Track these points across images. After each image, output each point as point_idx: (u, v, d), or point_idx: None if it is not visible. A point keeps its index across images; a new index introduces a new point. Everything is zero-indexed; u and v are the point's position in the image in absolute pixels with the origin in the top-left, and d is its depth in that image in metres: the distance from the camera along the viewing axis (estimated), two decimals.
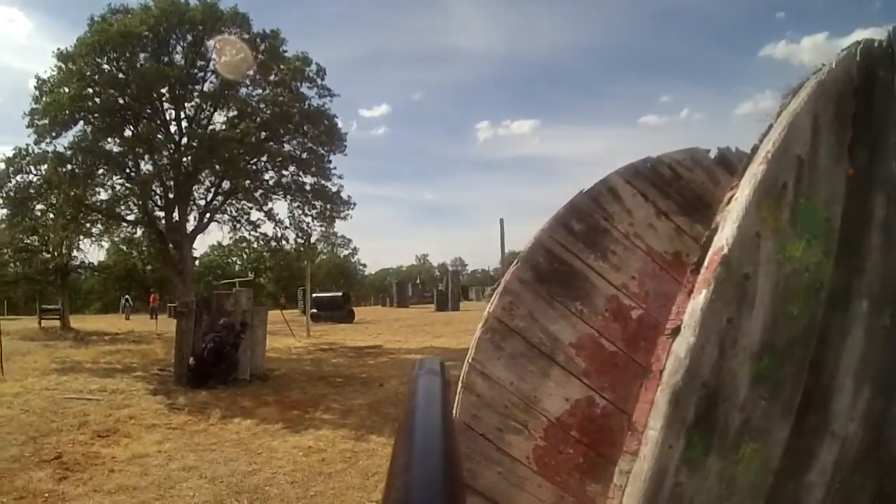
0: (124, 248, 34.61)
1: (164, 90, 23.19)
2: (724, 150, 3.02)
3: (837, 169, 1.58)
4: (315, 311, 33.88)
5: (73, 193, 22.15)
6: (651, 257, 2.82)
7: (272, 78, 24.38)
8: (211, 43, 23.89)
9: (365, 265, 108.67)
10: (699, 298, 1.40)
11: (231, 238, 27.96)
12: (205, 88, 24.06)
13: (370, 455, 8.18)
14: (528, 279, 2.74)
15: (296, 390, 13.20)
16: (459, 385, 2.75)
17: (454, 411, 2.83)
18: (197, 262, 32.46)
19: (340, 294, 40.83)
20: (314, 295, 34.61)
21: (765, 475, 1.48)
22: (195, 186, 24.87)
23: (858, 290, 1.60)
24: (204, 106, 24.30)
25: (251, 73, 23.92)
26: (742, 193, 1.48)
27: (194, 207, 25.35)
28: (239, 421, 10.23)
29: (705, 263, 1.45)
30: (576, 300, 2.74)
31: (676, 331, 1.43)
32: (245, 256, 79.12)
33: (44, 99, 22.12)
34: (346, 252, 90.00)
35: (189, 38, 23.75)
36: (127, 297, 52.11)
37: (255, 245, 29.33)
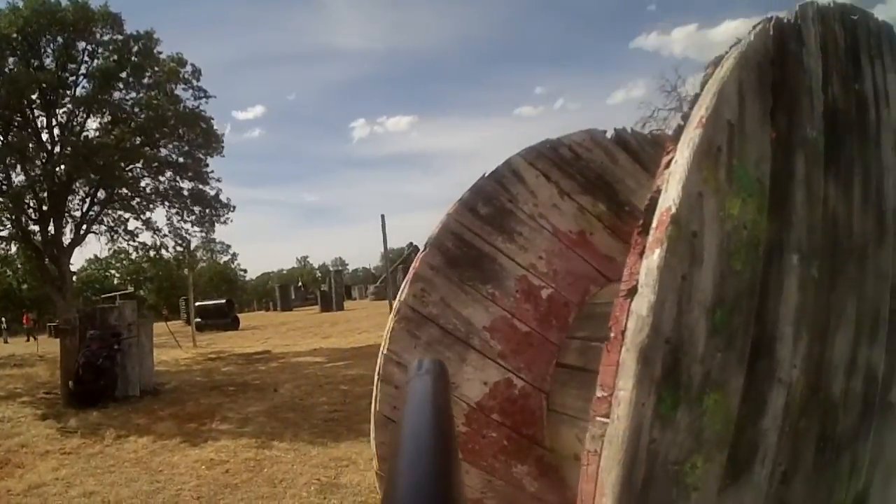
0: None
1: (34, 96, 22.13)
2: (620, 130, 3.12)
3: (763, 132, 1.66)
4: (199, 320, 33.22)
5: None
6: (557, 237, 2.89)
7: (146, 80, 23.67)
8: (82, 45, 23.03)
9: (245, 270, 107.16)
10: (653, 257, 1.44)
11: (109, 249, 27.08)
12: (77, 93, 23.08)
13: (274, 462, 8.06)
14: (439, 265, 2.76)
15: (189, 402, 12.88)
16: (376, 377, 2.74)
17: (374, 404, 2.82)
18: (74, 278, 31.27)
19: (224, 301, 40.16)
20: (197, 304, 33.91)
21: (727, 424, 1.54)
22: (70, 197, 23.95)
23: (789, 243, 1.69)
24: (77, 112, 23.30)
25: (124, 75, 23.12)
26: (682, 156, 1.53)
27: (69, 219, 24.41)
28: (135, 439, 9.91)
29: (654, 224, 1.49)
30: (486, 283, 2.78)
31: (633, 291, 1.46)
32: (123, 268, 76.99)
33: None
34: (225, 258, 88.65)
35: (60, 40, 22.68)
36: (2, 318, 50.01)
37: (133, 256, 28.50)
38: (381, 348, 2.75)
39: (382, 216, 24.13)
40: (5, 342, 42.74)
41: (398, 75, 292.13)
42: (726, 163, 1.55)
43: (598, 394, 1.53)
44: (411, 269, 2.84)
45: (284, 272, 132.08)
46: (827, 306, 1.84)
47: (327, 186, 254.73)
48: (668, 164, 1.57)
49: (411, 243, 72.26)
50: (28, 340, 41.19)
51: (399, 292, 2.86)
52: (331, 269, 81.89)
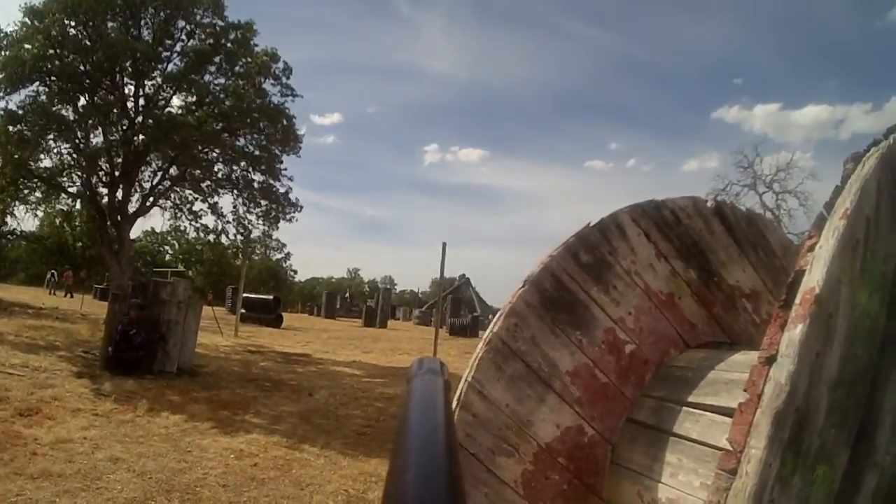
0: (58, 221, 33.46)
1: (127, 63, 22.61)
2: (721, 202, 3.17)
3: (893, 231, 1.73)
4: (244, 311, 33.41)
5: (17, 156, 21.57)
6: (648, 295, 2.94)
7: (237, 69, 24.08)
8: (182, 24, 23.53)
9: (296, 271, 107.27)
10: (795, 331, 1.53)
11: (171, 225, 27.36)
12: (168, 69, 23.58)
13: (303, 465, 8.07)
14: (535, 303, 2.82)
15: (225, 390, 12.97)
16: (455, 403, 2.78)
17: None
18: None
19: (272, 297, 40.30)
20: (244, 295, 34.17)
21: (829, 497, 1.60)
22: (143, 168, 24.35)
23: None
24: (165, 87, 23.79)
25: (217, 60, 23.52)
26: (827, 243, 1.62)
27: (138, 189, 24.78)
28: (167, 415, 9.99)
29: (797, 300, 1.57)
30: (576, 329, 2.84)
31: (772, 359, 1.55)
32: (178, 247, 78.05)
33: (4, 53, 21.35)
34: (279, 256, 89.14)
35: (161, 15, 23.22)
36: (53, 271, 50.84)
37: (191, 236, 28.69)
38: (465, 374, 2.78)
39: (444, 244, 24.07)
40: (52, 294, 43.46)
41: (477, 107, 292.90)
42: (862, 255, 1.63)
43: (728, 448, 1.60)
44: (507, 302, 2.89)
45: (333, 280, 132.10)
46: None
47: (390, 204, 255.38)
48: (811, 248, 1.65)
49: (463, 275, 72.18)
50: (66, 296, 42.12)
51: (492, 324, 2.90)
52: (380, 285, 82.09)
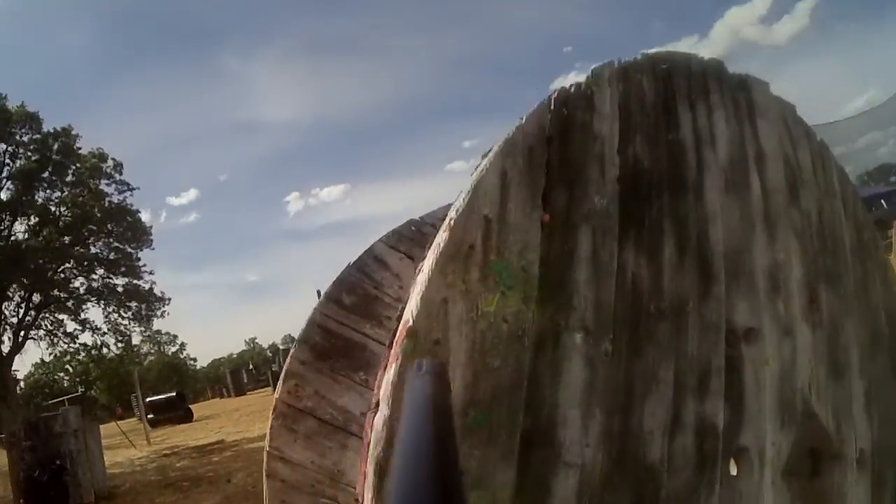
0: None
1: None
2: None
3: (530, 218, 1.67)
4: (152, 415, 32.50)
5: None
6: None
7: (69, 178, 23.47)
8: (2, 147, 22.83)
9: (195, 359, 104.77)
10: (390, 372, 1.44)
11: (50, 353, 26.65)
12: (2, 196, 22.89)
13: None
14: (309, 359, 2.77)
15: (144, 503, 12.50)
16: (263, 475, 2.73)
17: (265, 501, 2.80)
18: (21, 384, 30.57)
19: (175, 394, 39.44)
20: (149, 399, 33.22)
21: None
22: (4, 304, 23.59)
23: (568, 325, 1.69)
24: (3, 216, 23.11)
25: (46, 175, 22.94)
26: (426, 263, 1.54)
27: (7, 327, 24.00)
28: None
29: (397, 338, 1.50)
30: (359, 370, 2.78)
31: (377, 406, 1.47)
32: (72, 370, 75.44)
33: None
34: (173, 348, 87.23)
35: None
36: None
37: (77, 357, 28.09)
38: (265, 445, 2.75)
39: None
40: None
41: (327, 144, 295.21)
42: (480, 261, 1.56)
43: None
44: (284, 366, 2.84)
45: (234, 356, 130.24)
46: (629, 376, 1.83)
47: (266, 262, 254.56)
48: (418, 272, 1.59)
49: None
50: None
51: (274, 392, 2.86)
52: (280, 347, 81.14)
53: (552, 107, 1.82)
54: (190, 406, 38.53)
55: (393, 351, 1.48)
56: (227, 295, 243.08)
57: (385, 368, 1.49)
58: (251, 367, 78.33)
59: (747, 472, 2.10)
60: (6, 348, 23.33)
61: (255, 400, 41.95)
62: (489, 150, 1.72)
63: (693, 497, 1.94)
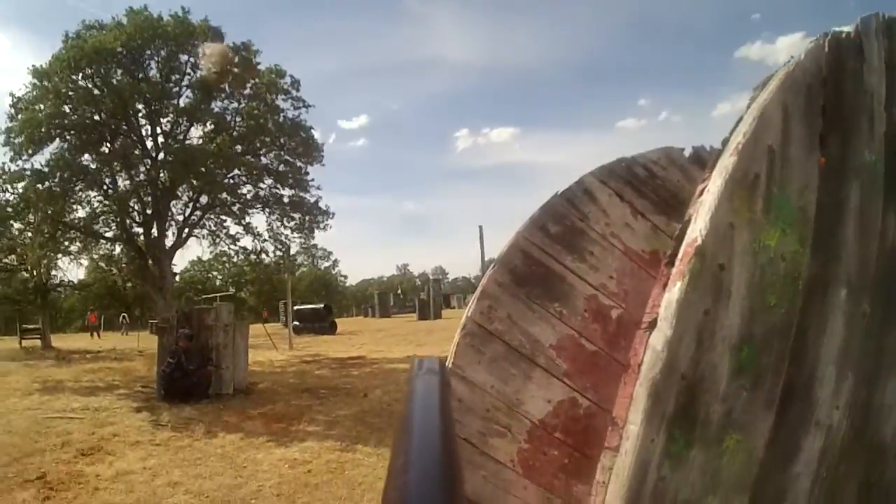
0: (103, 265, 34.04)
1: (139, 105, 23.02)
2: (698, 148, 3.03)
3: (809, 159, 1.59)
4: (297, 323, 33.64)
5: (50, 211, 22.01)
6: (628, 256, 2.82)
7: (246, 91, 24.29)
8: (185, 57, 23.79)
9: (346, 276, 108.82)
10: (674, 291, 1.39)
11: (211, 252, 27.81)
12: (180, 103, 23.92)
13: (356, 465, 8.07)
14: (506, 282, 2.72)
15: (280, 403, 13.01)
16: None
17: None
18: (177, 278, 32.06)
19: (322, 306, 40.62)
20: (296, 307, 34.35)
21: (749, 467, 1.47)
22: (173, 202, 24.72)
23: (836, 278, 1.61)
24: (180, 121, 24.20)
25: (225, 85, 23.71)
26: (714, 185, 1.48)
27: (172, 223, 25.21)
28: (223, 435, 10.06)
29: (679, 255, 1.44)
30: (554, 301, 2.73)
31: (653, 324, 1.42)
32: (226, 271, 78.79)
33: (19, 117, 21.88)
34: (326, 264, 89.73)
35: (163, 52, 23.56)
36: (124, 314, 52.45)
37: (234, 259, 29.08)
38: (447, 362, 2.73)
39: (480, 227, 24.23)
40: (125, 334, 45.36)
41: (501, 89, 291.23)
42: (764, 192, 1.49)
43: (611, 426, 1.50)
44: (479, 284, 2.82)
45: (385, 279, 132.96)
46: (880, 345, 1.73)
47: (429, 196, 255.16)
48: (700, 193, 1.53)
49: None
50: (92, 337, 43.60)
51: (466, 308, 2.84)
52: (430, 277, 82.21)
53: (827, 48, 1.71)
54: (335, 320, 39.69)
55: (677, 269, 1.43)
56: (385, 221, 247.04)
57: (665, 287, 1.45)
58: (399, 292, 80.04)
59: None
60: (169, 242, 24.43)
61: (399, 323, 42.85)
62: (766, 81, 1.64)
63: None
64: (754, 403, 1.47)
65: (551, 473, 2.66)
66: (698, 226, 1.43)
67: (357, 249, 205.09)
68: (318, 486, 7.33)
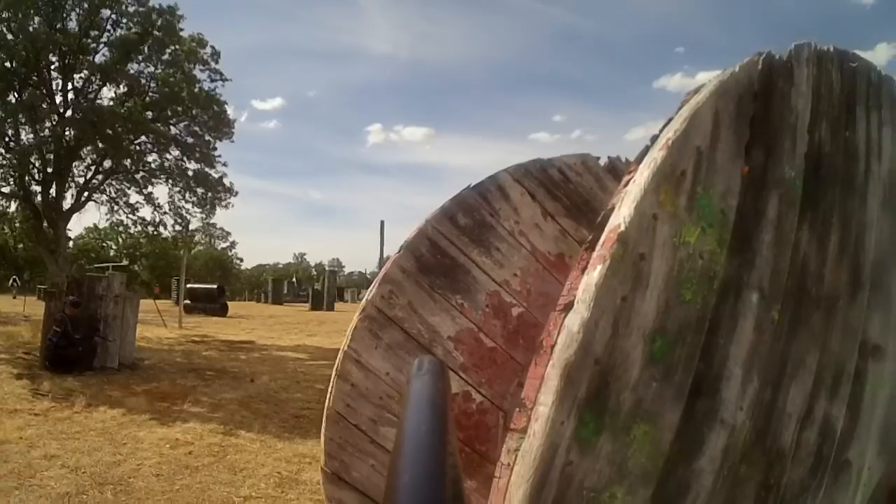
0: None
1: (53, 58, 22.21)
2: (614, 159, 3.08)
3: (734, 165, 1.63)
4: (189, 302, 33.07)
5: None
6: (535, 257, 2.84)
7: (165, 56, 23.74)
8: (107, 13, 23.07)
9: (242, 259, 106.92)
10: (594, 274, 1.40)
11: (107, 221, 27.06)
12: (96, 60, 23.16)
13: (239, 450, 7.95)
14: (411, 269, 2.72)
15: (165, 381, 12.69)
16: (333, 373, 2.70)
17: (328, 400, 2.78)
18: (71, 244, 31.17)
19: (216, 287, 39.99)
20: (189, 286, 33.78)
21: (656, 458, 1.49)
22: (75, 163, 24.01)
23: (748, 282, 1.66)
24: (93, 78, 23.43)
25: (145, 48, 23.17)
26: (641, 176, 1.50)
27: (72, 185, 24.46)
28: (105, 410, 9.76)
29: (601, 240, 1.45)
30: (457, 293, 2.73)
31: (569, 306, 1.42)
32: (121, 241, 76.96)
33: None
34: (224, 245, 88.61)
35: (85, 5, 22.66)
36: (14, 276, 50.89)
37: (131, 230, 28.44)
38: (343, 345, 2.70)
39: (382, 222, 24.26)
40: (14, 298, 43.33)
41: (420, 86, 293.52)
42: (689, 189, 1.52)
43: (519, 408, 1.48)
44: (382, 269, 2.79)
45: (280, 266, 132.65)
46: (785, 353, 1.78)
47: (335, 186, 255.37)
48: (626, 183, 1.54)
49: None
50: None
51: (367, 292, 2.81)
52: (326, 268, 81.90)
53: (760, 65, 1.76)
54: (227, 302, 39.15)
55: (598, 253, 1.43)
56: (288, 207, 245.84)
57: (583, 271, 1.44)
58: (294, 280, 79.37)
59: (844, 487, 2.05)
60: (67, 205, 23.74)
61: (291, 312, 42.49)
62: (698, 89, 1.67)
63: (802, 495, 1.89)
64: (664, 395, 1.49)
65: None
66: (622, 213, 1.45)
67: (256, 233, 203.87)
68: (199, 469, 7.17)
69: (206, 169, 25.17)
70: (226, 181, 25.87)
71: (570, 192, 2.94)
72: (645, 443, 1.46)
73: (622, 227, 1.41)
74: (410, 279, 2.71)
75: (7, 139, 22.38)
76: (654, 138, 1.61)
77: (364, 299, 2.78)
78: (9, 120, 21.98)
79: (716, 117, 1.60)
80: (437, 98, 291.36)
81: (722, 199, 1.59)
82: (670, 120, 1.62)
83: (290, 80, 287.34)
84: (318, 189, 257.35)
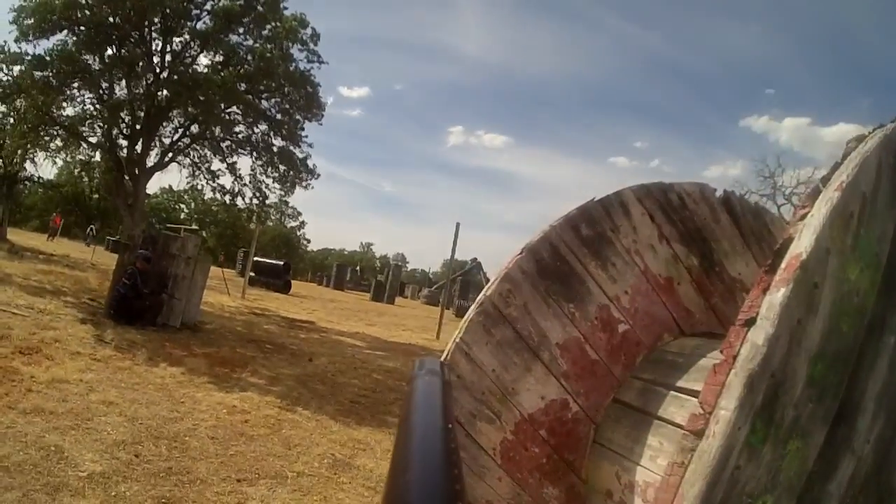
0: (76, 170, 33.53)
1: (156, 19, 22.65)
2: (729, 192, 3.11)
3: (890, 212, 1.70)
4: (253, 274, 33.50)
5: (41, 102, 21.65)
6: (646, 277, 2.89)
7: (265, 32, 24.13)
8: None
9: (309, 240, 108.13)
10: (777, 295, 1.50)
11: (188, 183, 27.50)
12: (197, 26, 23.62)
13: (294, 426, 8.06)
14: (530, 271, 2.77)
15: (225, 348, 12.98)
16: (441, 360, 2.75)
17: None
18: (147, 200, 31.76)
19: (282, 263, 40.38)
20: (255, 259, 34.25)
21: (801, 475, 1.56)
22: (164, 123, 24.54)
23: (890, 325, 1.71)
24: (192, 44, 23.88)
25: (246, 21, 23.51)
26: (819, 211, 1.59)
27: (158, 144, 25.02)
28: (165, 366, 10.01)
29: (783, 265, 1.54)
30: (570, 301, 2.78)
31: (751, 321, 1.52)
32: (193, 206, 78.31)
33: None
34: (293, 224, 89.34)
35: None
36: (92, 226, 51.81)
37: (207, 196, 28.95)
38: (455, 336, 2.74)
39: (457, 224, 24.14)
40: (52, 240, 45.02)
41: (505, 93, 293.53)
42: (855, 229, 1.60)
43: (697, 411, 1.57)
44: (503, 268, 2.84)
45: (345, 252, 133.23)
46: None
47: (410, 181, 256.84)
48: (802, 217, 1.62)
49: (475, 259, 71.72)
50: (48, 239, 43.71)
51: (485, 287, 2.86)
52: (391, 261, 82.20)
53: None
54: (291, 280, 39.50)
55: (781, 276, 1.53)
56: (360, 196, 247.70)
57: (764, 291, 1.54)
58: (358, 268, 79.80)
59: None
60: (150, 162, 24.20)
61: (351, 299, 42.86)
62: (862, 138, 1.75)
63: None
64: (815, 416, 1.56)
65: (528, 470, 2.71)
66: (803, 243, 1.54)
67: (327, 217, 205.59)
68: (254, 439, 7.32)
69: (292, 147, 25.50)
70: (309, 162, 26.16)
71: (686, 218, 2.97)
72: (796, 458, 1.53)
73: (804, 256, 1.51)
74: (529, 281, 2.76)
75: (101, 91, 22.90)
76: (825, 179, 1.68)
77: (482, 294, 2.82)
78: (105, 74, 22.52)
79: (879, 167, 1.68)
80: (520, 107, 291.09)
81: (878, 242, 1.67)
82: (837, 164, 1.70)
83: (379, 70, 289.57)
84: (393, 181, 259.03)
